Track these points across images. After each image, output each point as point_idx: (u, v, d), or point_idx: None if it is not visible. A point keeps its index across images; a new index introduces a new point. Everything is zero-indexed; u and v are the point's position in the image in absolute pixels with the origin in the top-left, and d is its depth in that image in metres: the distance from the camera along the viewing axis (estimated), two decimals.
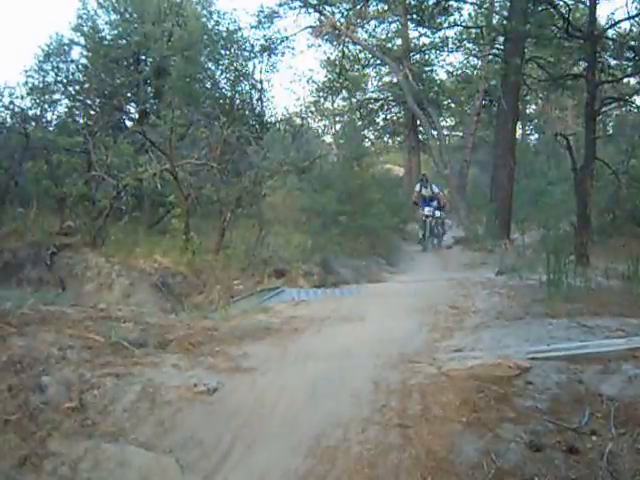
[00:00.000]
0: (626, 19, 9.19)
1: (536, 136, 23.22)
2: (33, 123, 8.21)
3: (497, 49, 14.63)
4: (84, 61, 10.23)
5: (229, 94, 12.74)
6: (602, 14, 27.00)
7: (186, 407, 2.25)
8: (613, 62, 10.40)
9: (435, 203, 10.93)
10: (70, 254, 5.14)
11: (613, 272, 4.81)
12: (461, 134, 22.61)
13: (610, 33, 9.90)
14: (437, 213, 10.85)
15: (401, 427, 2.05)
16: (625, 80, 11.53)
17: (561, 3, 9.63)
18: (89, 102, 10.09)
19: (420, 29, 16.95)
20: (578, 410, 2.10)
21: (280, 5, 14.48)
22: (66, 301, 3.63)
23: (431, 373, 2.42)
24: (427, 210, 10.76)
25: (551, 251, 4.43)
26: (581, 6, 11.41)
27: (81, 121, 9.62)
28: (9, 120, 7.57)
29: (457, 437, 1.98)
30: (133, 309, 3.45)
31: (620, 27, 10.19)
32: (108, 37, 10.48)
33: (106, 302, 3.94)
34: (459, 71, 20.39)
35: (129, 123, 9.99)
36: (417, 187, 11.28)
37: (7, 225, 5.57)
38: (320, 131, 21.72)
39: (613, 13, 16.32)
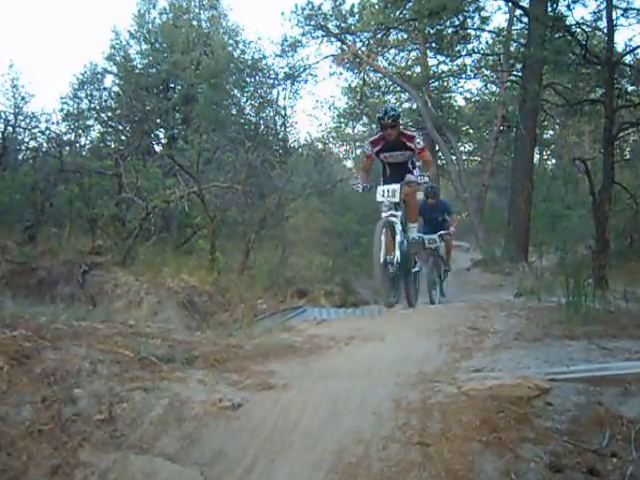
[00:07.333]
0: None
1: (553, 161, 23.05)
2: (67, 147, 8.57)
3: (515, 75, 14.78)
4: (116, 89, 10.71)
5: (254, 120, 13.10)
6: (619, 41, 27.04)
7: (211, 421, 2.31)
8: (630, 88, 10.40)
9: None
10: (101, 272, 5.33)
11: (631, 295, 4.74)
12: (479, 159, 22.63)
13: (627, 59, 9.96)
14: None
15: (421, 445, 2.07)
16: None
17: (579, 30, 9.74)
18: (120, 128, 10.51)
19: (439, 57, 17.28)
20: (598, 432, 2.10)
21: (303, 35, 15.02)
22: (97, 317, 3.73)
23: (451, 392, 2.42)
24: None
25: (569, 274, 4.40)
26: (598, 33, 11.50)
27: (112, 146, 10.00)
28: (45, 145, 7.90)
29: (477, 456, 1.99)
30: (161, 326, 3.53)
31: (637, 53, 10.25)
32: (139, 66, 10.95)
33: (135, 319, 4.04)
34: (477, 97, 20.57)
35: (158, 148, 10.34)
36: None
37: (42, 244, 5.80)
38: (341, 156, 22.01)
39: (631, 39, 16.36)
